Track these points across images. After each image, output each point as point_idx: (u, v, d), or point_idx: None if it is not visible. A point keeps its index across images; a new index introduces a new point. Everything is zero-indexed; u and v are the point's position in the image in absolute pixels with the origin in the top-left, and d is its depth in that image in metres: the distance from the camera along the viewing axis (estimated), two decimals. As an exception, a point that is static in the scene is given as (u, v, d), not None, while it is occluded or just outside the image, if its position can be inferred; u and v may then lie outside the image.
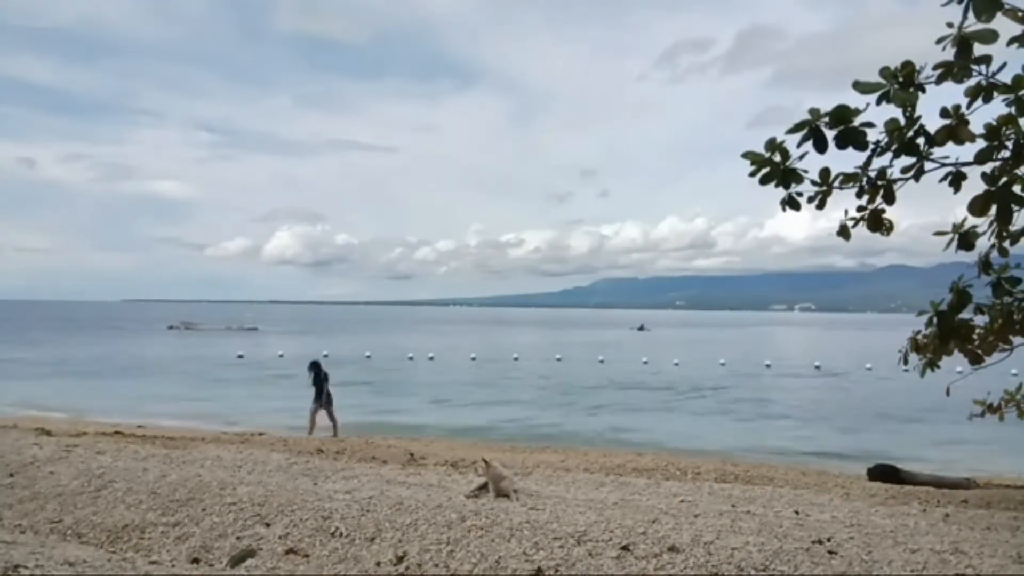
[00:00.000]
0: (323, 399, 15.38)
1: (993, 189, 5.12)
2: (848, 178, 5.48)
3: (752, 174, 5.22)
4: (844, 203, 5.70)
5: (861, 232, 5.83)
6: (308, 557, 4.91)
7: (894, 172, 5.47)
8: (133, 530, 5.51)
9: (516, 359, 42.48)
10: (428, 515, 5.40)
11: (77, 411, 19.65)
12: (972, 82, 4.80)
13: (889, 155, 5.35)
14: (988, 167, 5.14)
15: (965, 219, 5.57)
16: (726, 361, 41.25)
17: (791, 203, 5.35)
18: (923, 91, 4.93)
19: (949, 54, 4.55)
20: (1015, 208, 5.17)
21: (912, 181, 5.39)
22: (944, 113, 4.92)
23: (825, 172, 5.34)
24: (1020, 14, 4.25)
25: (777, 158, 5.17)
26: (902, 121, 5.13)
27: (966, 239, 5.71)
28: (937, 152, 5.20)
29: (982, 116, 4.96)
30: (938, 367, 7.19)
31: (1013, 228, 5.67)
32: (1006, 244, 5.92)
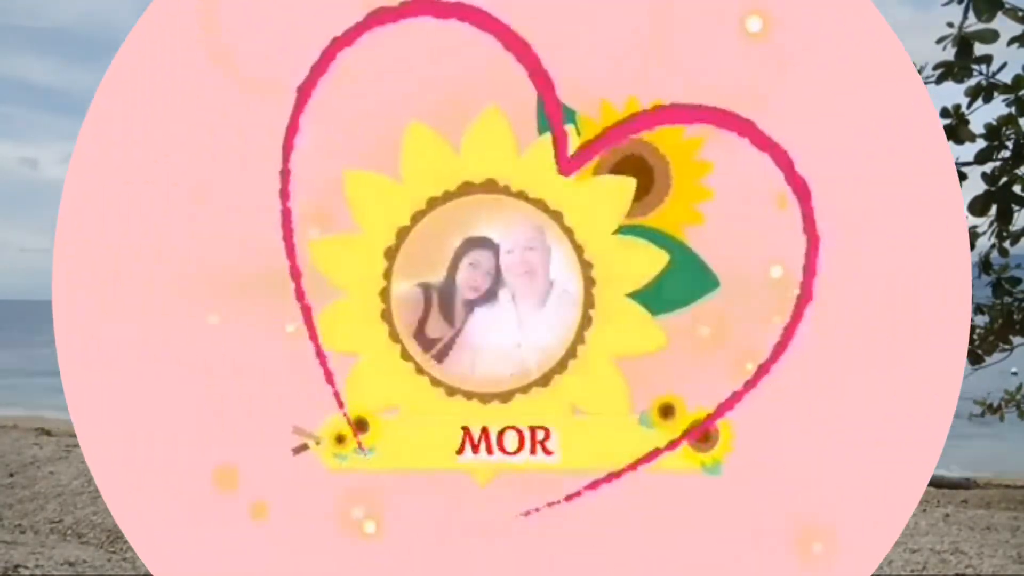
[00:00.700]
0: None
1: (993, 189, 5.11)
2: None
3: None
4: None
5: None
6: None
7: (894, 172, 5.47)
8: (133, 530, 5.51)
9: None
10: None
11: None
12: (972, 82, 4.81)
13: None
14: (988, 167, 5.14)
15: (965, 219, 5.56)
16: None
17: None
18: None
19: (949, 54, 4.56)
20: (1015, 208, 5.17)
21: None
22: (944, 113, 4.91)
23: None
24: (1020, 14, 4.25)
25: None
26: (902, 121, 5.13)
27: (966, 239, 5.70)
28: None
29: (982, 116, 4.96)
30: (938, 367, 7.19)
31: (1013, 228, 5.66)
32: (1006, 244, 5.90)
